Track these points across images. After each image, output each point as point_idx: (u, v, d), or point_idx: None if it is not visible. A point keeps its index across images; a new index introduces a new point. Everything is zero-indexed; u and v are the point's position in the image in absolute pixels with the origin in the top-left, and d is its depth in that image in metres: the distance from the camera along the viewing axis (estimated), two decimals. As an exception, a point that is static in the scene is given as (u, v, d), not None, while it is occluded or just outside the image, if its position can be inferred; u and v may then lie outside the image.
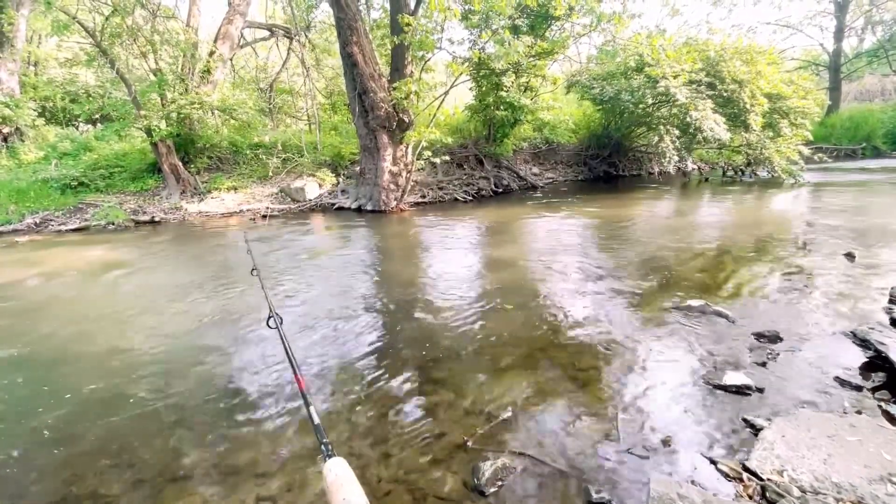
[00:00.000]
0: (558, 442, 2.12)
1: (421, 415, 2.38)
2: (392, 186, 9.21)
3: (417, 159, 9.48)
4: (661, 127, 10.78)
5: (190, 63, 11.05)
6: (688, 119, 9.78)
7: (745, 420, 2.20)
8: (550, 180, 13.17)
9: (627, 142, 14.07)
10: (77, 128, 13.68)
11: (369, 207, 9.28)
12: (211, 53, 11.41)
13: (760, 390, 2.44)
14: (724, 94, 10.30)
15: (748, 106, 10.14)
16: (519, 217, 8.26)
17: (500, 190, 11.40)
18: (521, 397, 2.48)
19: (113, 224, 8.64)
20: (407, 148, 9.32)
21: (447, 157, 10.12)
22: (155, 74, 9.93)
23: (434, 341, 3.24)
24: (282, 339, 1.26)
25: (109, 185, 10.17)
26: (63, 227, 8.53)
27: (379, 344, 3.26)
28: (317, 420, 0.87)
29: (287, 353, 1.10)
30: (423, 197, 10.24)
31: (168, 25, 11.13)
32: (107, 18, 9.30)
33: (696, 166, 14.32)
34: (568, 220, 7.79)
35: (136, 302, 4.41)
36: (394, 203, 9.21)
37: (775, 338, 3.03)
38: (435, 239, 6.81)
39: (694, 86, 10.11)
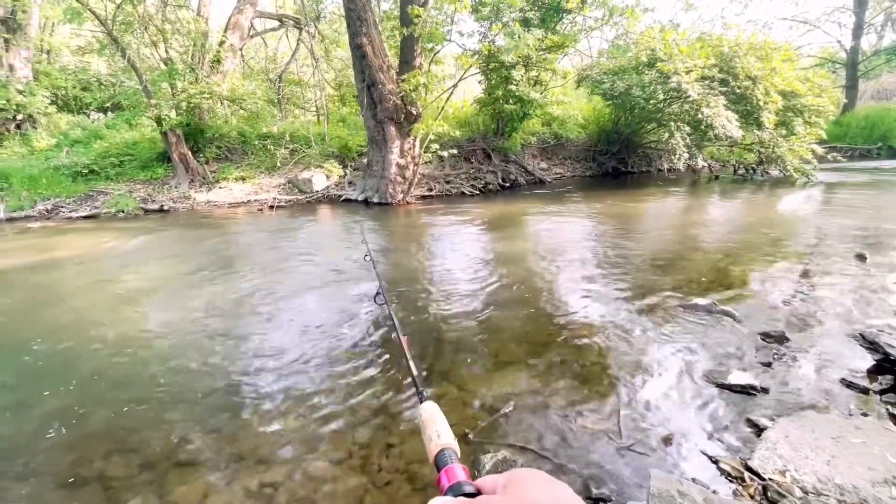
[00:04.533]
0: (559, 437, 2.12)
1: (423, 407, 2.39)
2: (399, 179, 9.20)
3: (425, 152, 9.45)
4: (672, 123, 10.65)
5: (200, 53, 11.08)
6: (699, 116, 9.65)
7: (748, 420, 2.18)
8: (558, 175, 13.09)
9: (637, 138, 13.92)
10: (88, 116, 13.79)
11: (376, 200, 9.28)
12: (221, 43, 11.43)
13: (765, 390, 2.43)
14: (737, 91, 10.14)
15: (761, 103, 9.98)
16: (525, 212, 8.23)
17: (508, 184, 11.36)
18: (523, 391, 2.49)
19: (123, 212, 8.73)
20: (415, 140, 9.30)
21: (455, 151, 10.08)
22: (165, 64, 9.97)
23: (437, 333, 3.25)
24: (389, 312, 1.44)
25: (120, 174, 10.27)
26: (74, 214, 8.64)
27: (382, 335, 3.27)
28: (415, 371, 1.03)
29: (393, 319, 1.34)
30: (430, 190, 10.22)
31: (179, 14, 11.16)
32: (118, 7, 9.34)
33: (706, 164, 14.13)
34: (575, 215, 7.75)
35: (142, 290, 4.46)
36: (400, 196, 9.20)
37: (782, 338, 3.00)
38: (440, 232, 6.81)
39: (706, 82, 9.96)
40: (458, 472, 0.65)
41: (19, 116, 11.63)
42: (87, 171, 10.03)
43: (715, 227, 6.82)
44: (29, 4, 11.63)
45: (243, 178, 10.44)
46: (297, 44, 14.26)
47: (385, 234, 6.90)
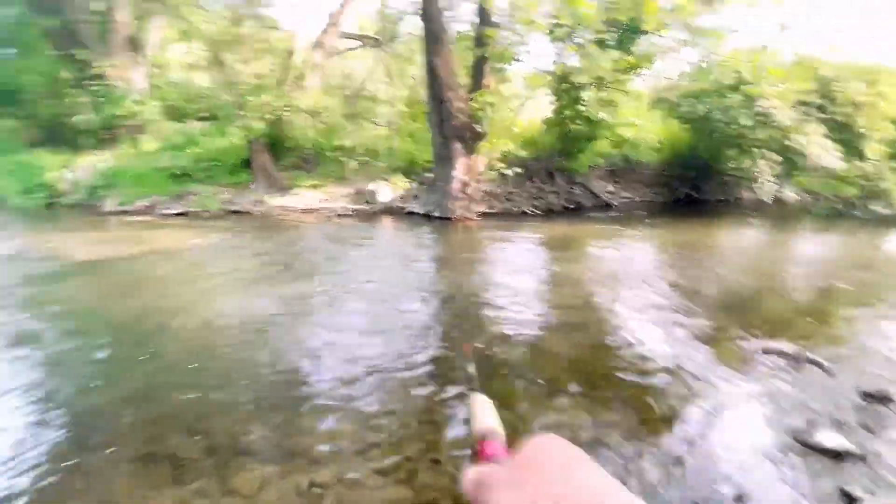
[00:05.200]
0: (615, 479, 1.98)
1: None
2: (461, 195, 9.30)
3: (489, 170, 9.49)
4: (757, 150, 9.87)
5: (287, 69, 12.02)
6: (789, 143, 8.87)
7: (841, 490, 1.92)
8: (626, 199, 12.55)
9: (716, 164, 13.04)
10: (187, 124, 15.36)
11: (437, 214, 9.43)
12: (305, 61, 12.33)
13: (862, 457, 2.12)
14: (838, 119, 9.23)
15: (863, 131, 9.00)
16: (588, 236, 7.96)
17: (572, 206, 11.07)
18: (575, 423, 2.37)
19: (208, 212, 9.59)
20: (479, 158, 9.38)
21: (519, 170, 10.02)
22: (256, 79, 10.91)
23: (490, 352, 3.20)
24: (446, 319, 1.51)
25: (208, 177, 11.30)
26: (167, 211, 9.61)
27: (434, 352, 3.28)
28: (474, 372, 1.07)
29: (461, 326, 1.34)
30: (491, 208, 10.21)
31: (270, 35, 12.20)
32: (222, 29, 10.40)
33: (796, 196, 12.90)
34: (642, 243, 7.37)
35: (224, 283, 4.82)
36: (461, 211, 9.28)
37: (884, 398, 2.62)
38: (499, 251, 6.76)
39: (802, 108, 9.16)
40: (496, 447, 0.66)
41: (133, 124, 13.22)
42: (182, 173, 11.15)
43: (804, 265, 6.19)
44: (150, 28, 13.30)
45: (315, 186, 11.07)
46: (375, 62, 15.04)
47: (444, 248, 6.97)
